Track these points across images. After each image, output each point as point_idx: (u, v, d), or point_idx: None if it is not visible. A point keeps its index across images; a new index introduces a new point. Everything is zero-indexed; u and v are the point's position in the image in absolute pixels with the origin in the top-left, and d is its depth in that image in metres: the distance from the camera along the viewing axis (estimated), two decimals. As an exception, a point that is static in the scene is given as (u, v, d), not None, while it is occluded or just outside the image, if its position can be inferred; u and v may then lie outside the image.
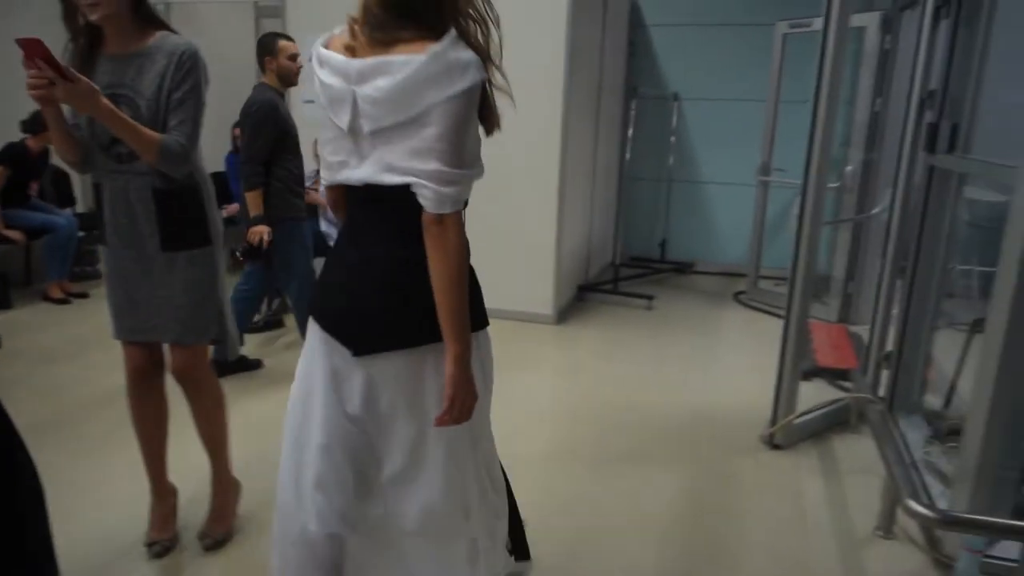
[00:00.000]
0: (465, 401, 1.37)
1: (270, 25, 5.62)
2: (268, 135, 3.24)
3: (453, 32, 1.27)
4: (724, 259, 6.12)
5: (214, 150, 5.25)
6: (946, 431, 2.79)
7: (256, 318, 4.29)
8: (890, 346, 3.16)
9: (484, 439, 1.57)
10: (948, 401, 3.10)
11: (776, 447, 2.93)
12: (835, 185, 4.74)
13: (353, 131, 1.34)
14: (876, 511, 2.39)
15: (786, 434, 2.93)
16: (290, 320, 4.37)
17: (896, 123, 4.14)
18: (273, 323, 4.25)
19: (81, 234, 4.99)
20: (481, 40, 1.32)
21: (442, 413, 1.37)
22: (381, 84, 1.28)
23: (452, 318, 1.34)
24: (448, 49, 1.25)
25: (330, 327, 1.46)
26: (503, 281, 4.53)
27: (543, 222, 4.40)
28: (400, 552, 1.53)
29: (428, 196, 1.29)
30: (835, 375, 3.68)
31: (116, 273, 2.03)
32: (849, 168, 4.61)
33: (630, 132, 5.73)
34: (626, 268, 5.92)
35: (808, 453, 2.91)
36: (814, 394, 3.27)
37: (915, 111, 2.93)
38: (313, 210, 4.49)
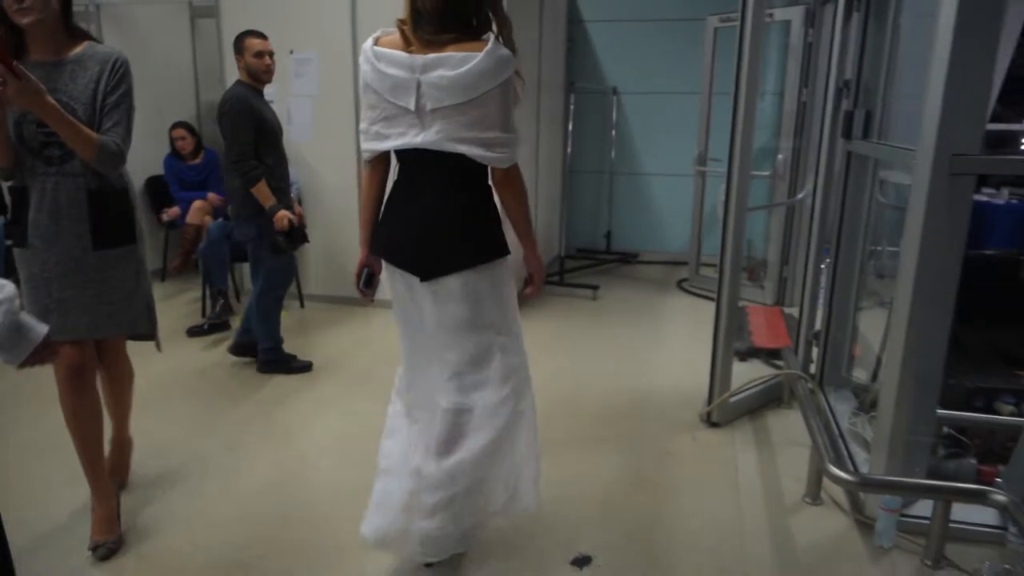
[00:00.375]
0: (541, 276, 2.06)
1: (205, 26, 5.56)
2: (248, 128, 3.28)
3: (493, 35, 1.75)
4: (667, 248, 6.27)
5: (155, 153, 5.18)
6: (870, 402, 2.95)
7: (200, 321, 4.26)
8: (819, 325, 3.32)
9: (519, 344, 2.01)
10: (875, 375, 3.28)
11: (714, 424, 3.05)
12: (767, 173, 4.92)
13: (417, 109, 1.75)
14: (805, 480, 2.53)
15: (722, 412, 3.06)
16: (238, 322, 4.34)
17: (818, 110, 4.33)
18: (219, 326, 4.21)
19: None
20: (509, 39, 1.79)
21: (531, 288, 2.06)
22: (444, 73, 1.70)
23: (526, 231, 1.97)
24: (496, 48, 1.72)
25: (400, 263, 1.91)
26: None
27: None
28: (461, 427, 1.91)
29: (496, 158, 1.79)
30: (771, 355, 3.84)
31: (40, 276, 2.06)
32: (780, 156, 4.79)
33: (571, 127, 5.83)
34: (572, 260, 6.03)
35: (743, 429, 3.05)
36: (751, 374, 3.41)
37: (832, 100, 3.08)
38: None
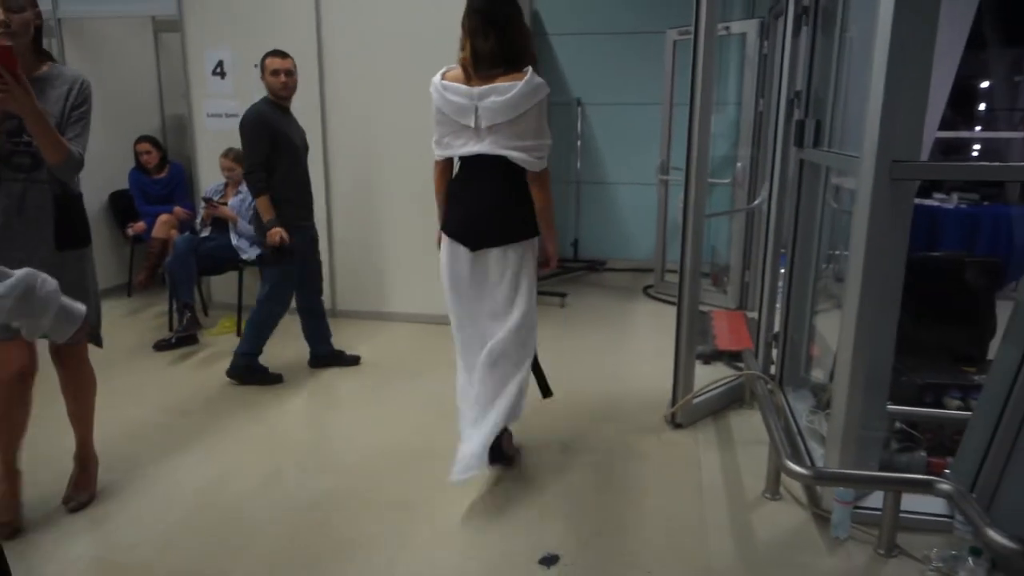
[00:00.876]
0: (555, 259, 2.71)
1: (169, 40, 5.56)
2: (262, 143, 3.42)
3: (530, 68, 2.35)
4: (634, 255, 6.38)
5: (119, 167, 5.15)
6: (827, 401, 3.05)
7: (167, 335, 4.24)
8: (778, 327, 3.43)
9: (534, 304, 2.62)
10: (832, 375, 3.39)
11: (678, 426, 3.13)
12: (727, 181, 5.05)
13: (475, 126, 2.38)
14: (765, 476, 2.61)
15: (686, 413, 3.14)
16: (205, 335, 4.34)
17: (774, 121, 4.47)
18: (186, 339, 4.20)
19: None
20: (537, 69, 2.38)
21: (549, 265, 2.71)
22: (496, 99, 2.33)
23: (549, 221, 2.57)
24: (532, 77, 2.33)
25: (456, 236, 2.53)
26: (419, 285, 4.63)
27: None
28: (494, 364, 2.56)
29: (532, 162, 2.42)
30: (734, 357, 3.94)
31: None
32: (739, 165, 4.92)
33: (537, 137, 5.90)
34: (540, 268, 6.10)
35: (707, 429, 3.13)
36: (714, 376, 3.50)
37: (785, 110, 3.20)
38: (224, 224, 4.47)
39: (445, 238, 2.57)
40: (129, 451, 2.90)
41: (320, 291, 3.86)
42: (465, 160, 2.49)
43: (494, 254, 2.49)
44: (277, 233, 3.43)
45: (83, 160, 2.26)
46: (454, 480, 2.43)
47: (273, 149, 3.44)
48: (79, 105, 2.26)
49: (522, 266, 2.51)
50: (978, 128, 6.58)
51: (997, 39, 5.91)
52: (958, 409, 2.73)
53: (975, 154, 6.41)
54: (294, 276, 3.63)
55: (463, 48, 2.39)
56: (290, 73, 3.49)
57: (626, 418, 3.24)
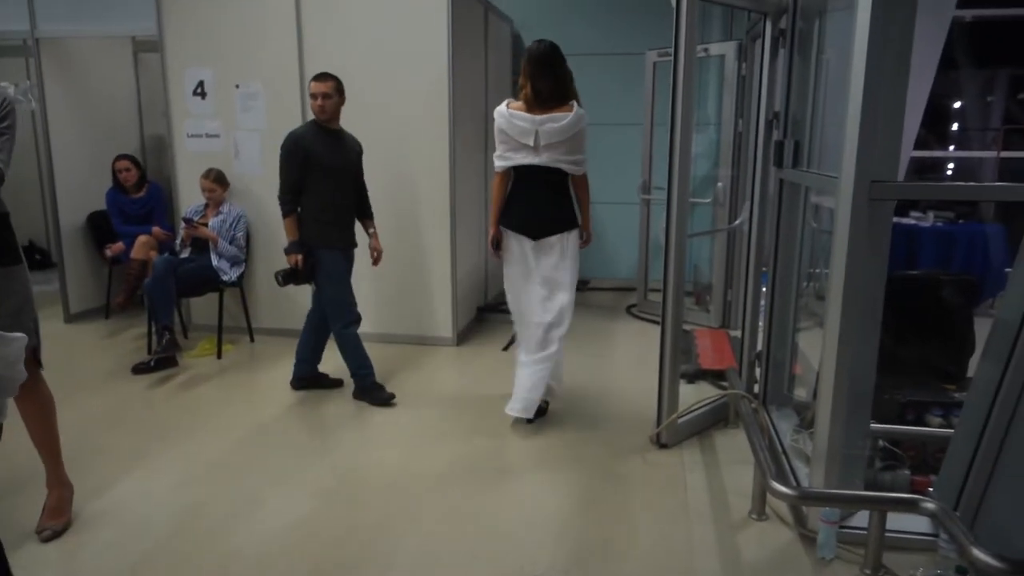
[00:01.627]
0: (591, 237, 3.45)
1: (149, 60, 5.53)
2: (291, 165, 3.50)
3: (575, 102, 3.16)
4: (617, 274, 6.40)
5: (97, 187, 5.09)
6: (810, 419, 3.06)
7: (146, 358, 4.17)
8: (761, 346, 3.44)
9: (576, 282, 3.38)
10: (815, 393, 3.40)
11: (663, 446, 3.12)
12: (708, 200, 5.10)
13: (535, 144, 3.11)
14: (751, 496, 2.60)
15: (671, 433, 3.13)
16: (185, 358, 4.27)
17: (754, 142, 4.52)
18: (165, 361, 4.13)
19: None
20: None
21: (589, 242, 3.45)
22: (552, 125, 3.10)
23: (588, 211, 3.38)
24: (578, 110, 3.14)
25: (520, 229, 3.25)
26: (404, 307, 4.61)
27: (438, 248, 4.52)
28: (548, 335, 3.31)
29: (576, 170, 3.21)
30: (718, 377, 3.95)
31: None
32: (720, 184, 4.97)
33: (520, 157, 5.92)
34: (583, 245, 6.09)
35: (692, 449, 3.12)
36: (699, 395, 3.50)
37: (764, 130, 3.24)
38: (204, 245, 4.43)
39: (508, 233, 3.28)
40: (105, 476, 2.83)
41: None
42: (522, 171, 3.18)
43: (552, 241, 3.24)
44: (293, 259, 3.52)
45: (4, 176, 2.21)
46: (508, 411, 3.30)
47: (307, 171, 3.50)
48: (3, 119, 2.23)
49: (571, 248, 3.28)
50: (952, 147, 6.71)
51: (968, 60, 6.05)
52: (940, 426, 2.74)
53: (949, 173, 6.54)
54: (343, 293, 3.67)
55: (523, 87, 3.14)
56: (327, 96, 3.49)
57: (612, 439, 3.23)
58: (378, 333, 4.58)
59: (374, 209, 3.88)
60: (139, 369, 4.07)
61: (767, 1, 3.14)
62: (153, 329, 4.23)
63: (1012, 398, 2.15)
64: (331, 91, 3.52)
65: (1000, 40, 6.26)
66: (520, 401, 3.29)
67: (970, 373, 2.97)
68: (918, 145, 5.29)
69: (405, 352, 4.43)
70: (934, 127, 6.48)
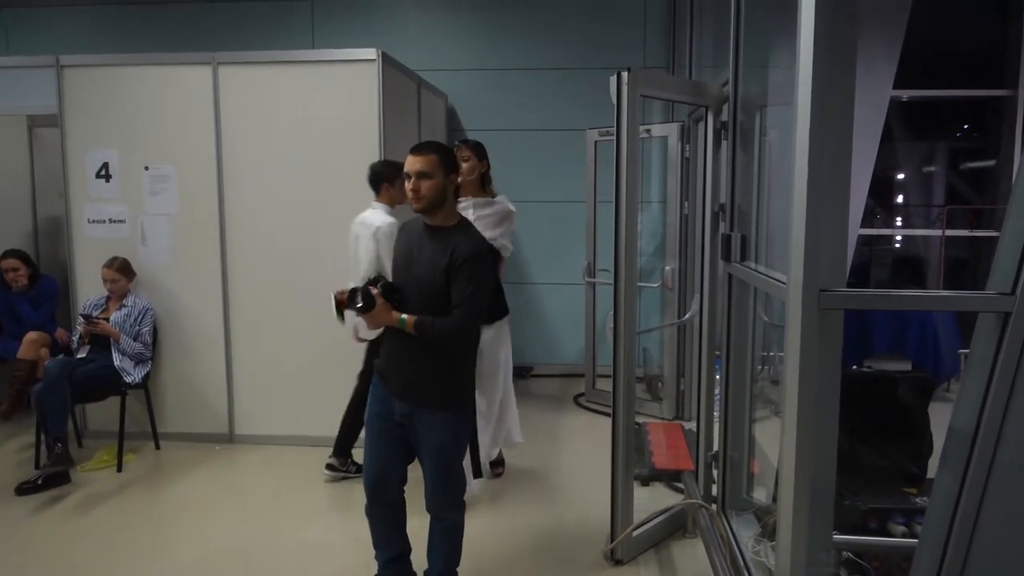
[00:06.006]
0: None
1: (45, 135, 5.45)
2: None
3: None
4: (562, 359, 6.47)
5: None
6: (772, 527, 3.13)
7: (33, 475, 3.96)
8: (716, 445, 3.52)
9: None
10: (774, 496, 3.49)
11: (618, 562, 3.12)
12: (656, 284, 5.27)
13: None
14: (713, 619, 2.62)
15: (626, 548, 3.14)
16: (79, 472, 4.07)
17: (699, 227, 4.73)
18: (55, 478, 3.93)
19: None
20: None
21: None
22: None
23: None
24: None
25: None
26: (328, 406, 4.53)
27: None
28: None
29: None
30: (673, 477, 4.00)
31: None
32: (668, 268, 5.14)
33: (457, 237, 6.01)
34: (463, 377, 6.09)
35: (649, 565, 3.14)
36: (654, 499, 3.54)
37: (711, 222, 3.40)
38: (104, 342, 4.29)
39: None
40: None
41: None
42: None
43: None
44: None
45: None
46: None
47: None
48: None
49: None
50: (899, 221, 7.15)
51: (908, 135, 6.56)
52: (903, 535, 2.84)
53: (897, 246, 6.95)
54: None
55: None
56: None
57: (562, 556, 3.22)
58: (305, 436, 4.51)
59: (303, 288, 3.93)
60: (24, 489, 3.86)
61: (707, 95, 3.34)
62: (43, 440, 4.04)
63: (972, 509, 2.26)
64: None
65: (936, 116, 6.84)
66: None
67: (930, 473, 3.11)
68: (867, 212, 5.63)
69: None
70: (881, 200, 6.92)
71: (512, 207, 3.77)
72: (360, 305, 2.45)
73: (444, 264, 2.48)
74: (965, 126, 7.18)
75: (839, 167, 2.26)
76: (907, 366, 5.30)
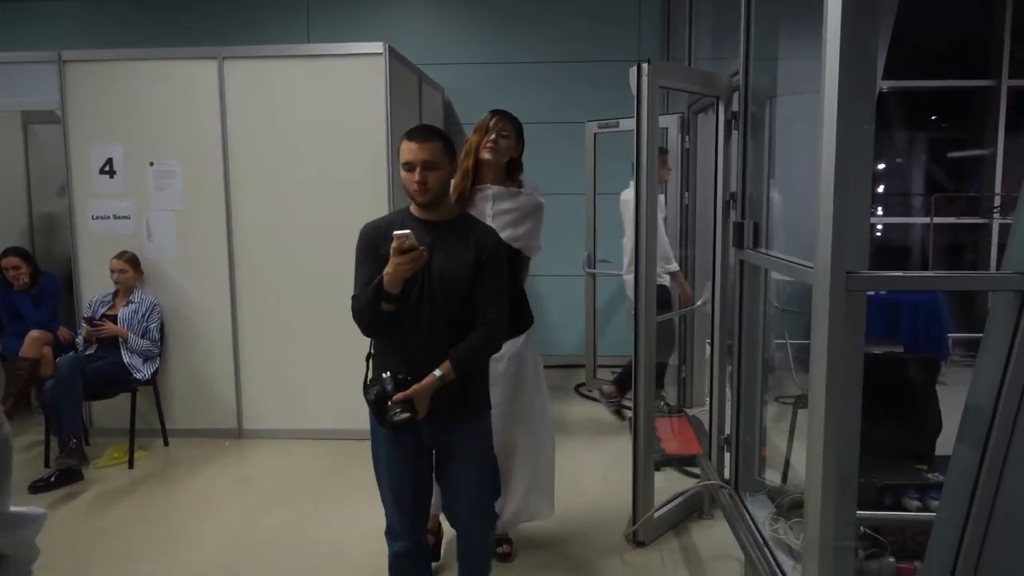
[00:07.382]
0: None
1: (43, 131, 5.39)
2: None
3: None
4: (562, 350, 6.52)
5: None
6: (788, 506, 3.21)
7: (45, 472, 3.94)
8: (728, 429, 3.59)
9: None
10: (785, 476, 3.58)
11: (640, 544, 3.19)
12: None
13: None
14: (738, 596, 2.70)
15: (647, 530, 3.21)
16: (90, 469, 4.05)
17: (702, 215, 4.81)
18: (68, 475, 3.90)
19: None
20: None
21: None
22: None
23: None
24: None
25: None
26: (332, 401, 4.55)
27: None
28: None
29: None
30: (683, 462, 4.08)
31: None
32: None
33: (456, 230, 6.04)
34: (464, 369, 6.12)
35: (670, 545, 3.20)
36: (667, 482, 3.61)
37: (721, 211, 3.47)
38: (112, 340, 4.26)
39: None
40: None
41: None
42: None
43: None
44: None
45: None
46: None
47: None
48: None
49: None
50: (880, 210, 7.31)
51: (893, 125, 6.72)
52: (918, 510, 2.93)
53: (878, 234, 7.12)
54: None
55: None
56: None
57: (584, 539, 3.27)
58: (314, 429, 4.52)
59: (311, 282, 3.90)
60: (38, 487, 3.84)
61: (718, 85, 3.41)
62: (56, 437, 4.01)
63: (992, 483, 2.34)
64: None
65: (920, 106, 7.00)
66: None
67: (937, 451, 3.21)
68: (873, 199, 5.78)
69: (333, 449, 4.36)
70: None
71: (542, 199, 3.16)
72: (405, 415, 2.18)
73: (471, 259, 2.27)
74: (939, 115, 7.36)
75: (862, 154, 2.33)
76: (899, 350, 5.44)
